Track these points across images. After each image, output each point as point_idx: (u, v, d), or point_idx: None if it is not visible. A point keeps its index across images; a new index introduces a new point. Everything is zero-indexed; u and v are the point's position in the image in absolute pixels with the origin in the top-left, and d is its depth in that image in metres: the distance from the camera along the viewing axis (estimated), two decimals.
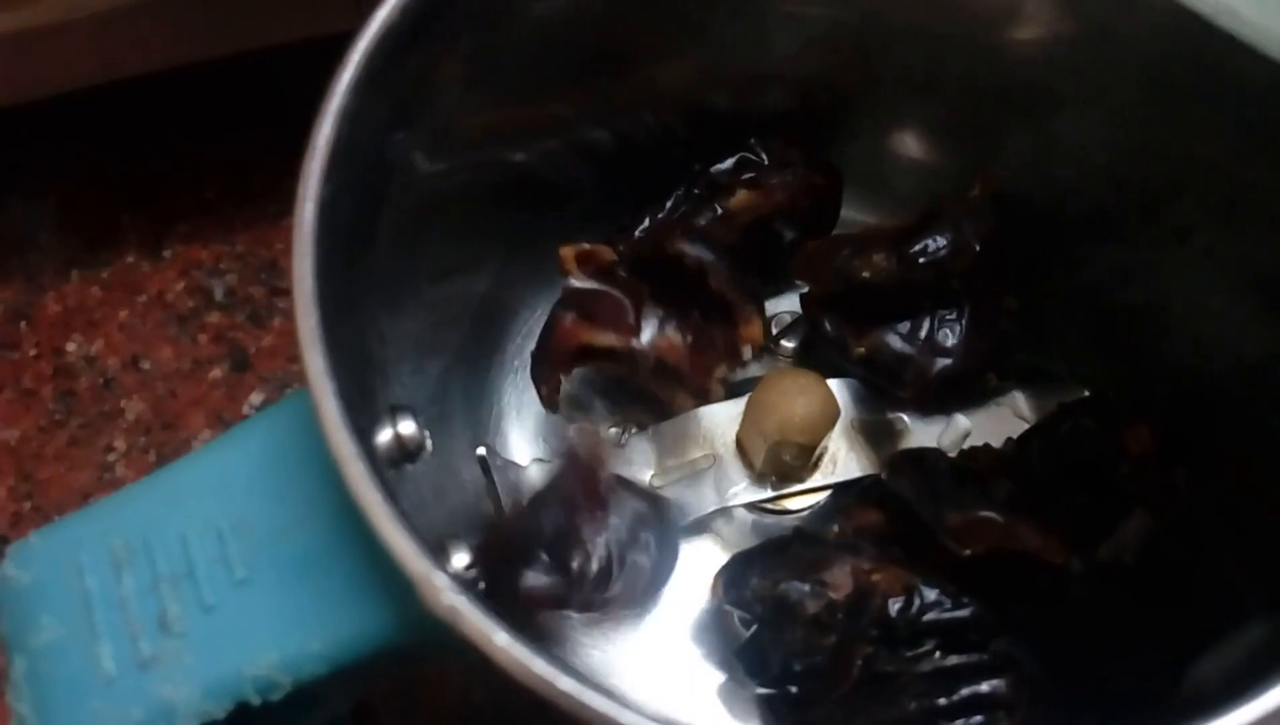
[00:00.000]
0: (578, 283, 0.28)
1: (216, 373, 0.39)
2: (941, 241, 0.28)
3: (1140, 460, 0.27)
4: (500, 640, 0.16)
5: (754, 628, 0.28)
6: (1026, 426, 0.30)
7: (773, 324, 0.33)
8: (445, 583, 0.17)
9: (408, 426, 0.22)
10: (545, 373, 0.29)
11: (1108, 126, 0.27)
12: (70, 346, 0.39)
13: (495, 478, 0.29)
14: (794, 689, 0.27)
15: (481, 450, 0.29)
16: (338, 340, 0.19)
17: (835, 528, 0.29)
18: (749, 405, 0.29)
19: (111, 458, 0.38)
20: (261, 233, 0.41)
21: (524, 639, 0.16)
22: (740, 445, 0.30)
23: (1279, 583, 0.22)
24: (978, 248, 0.28)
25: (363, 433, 0.18)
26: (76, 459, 0.38)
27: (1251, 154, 0.24)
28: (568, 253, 0.29)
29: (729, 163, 0.31)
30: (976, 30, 0.28)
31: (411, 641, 0.20)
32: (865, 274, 0.28)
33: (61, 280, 0.40)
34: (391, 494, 0.17)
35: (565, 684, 0.16)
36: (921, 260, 0.28)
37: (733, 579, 0.28)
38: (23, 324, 0.40)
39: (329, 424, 0.17)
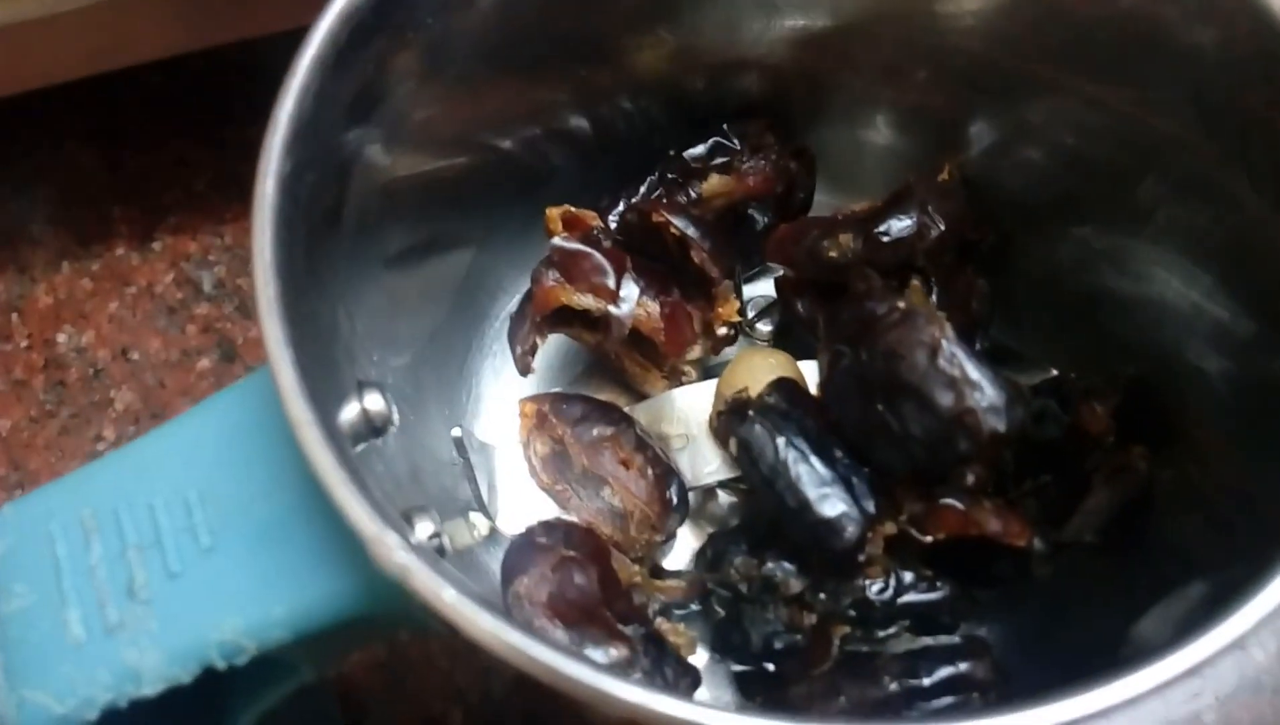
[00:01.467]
0: (563, 243, 0.29)
1: (205, 363, 0.40)
2: (907, 222, 0.28)
3: (1098, 439, 0.27)
4: (448, 596, 0.17)
5: (733, 605, 0.28)
6: None
7: (749, 307, 0.34)
8: (396, 542, 0.17)
9: (375, 401, 0.23)
10: (522, 333, 0.29)
11: (1071, 108, 0.28)
12: (61, 337, 0.40)
13: (471, 459, 0.30)
14: (772, 667, 0.28)
15: (457, 431, 0.30)
16: (299, 313, 0.19)
17: None
18: (720, 382, 0.29)
19: (101, 447, 0.38)
20: (250, 225, 0.42)
21: (472, 596, 0.17)
22: (713, 425, 0.30)
23: (1229, 547, 0.22)
24: (942, 228, 0.28)
25: (320, 399, 0.18)
26: (67, 448, 0.38)
27: (1203, 128, 0.25)
28: (554, 213, 0.29)
29: (702, 147, 0.32)
30: (942, 14, 0.28)
31: (372, 608, 0.20)
32: (832, 254, 0.28)
33: (53, 272, 0.41)
34: (347, 458, 0.18)
35: (512, 638, 0.16)
36: (885, 240, 0.28)
37: (716, 557, 0.28)
38: (14, 316, 0.40)
39: (285, 389, 0.18)
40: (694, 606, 0.29)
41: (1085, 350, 0.30)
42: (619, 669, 0.24)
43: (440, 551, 0.22)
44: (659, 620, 0.28)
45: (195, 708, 0.23)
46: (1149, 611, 0.22)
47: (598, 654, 0.25)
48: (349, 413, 0.23)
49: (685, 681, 0.26)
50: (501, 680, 0.35)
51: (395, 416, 0.23)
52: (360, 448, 0.23)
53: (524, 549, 0.27)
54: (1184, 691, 0.35)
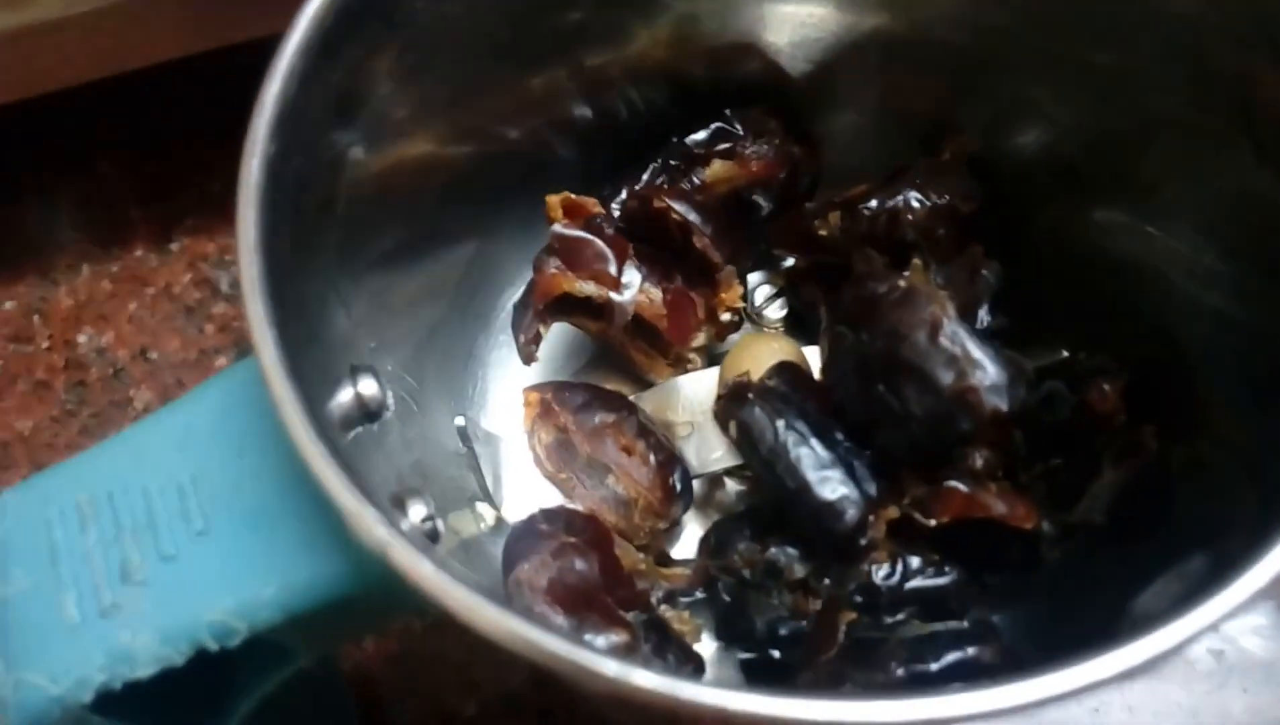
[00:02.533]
0: (563, 230, 0.29)
1: (222, 362, 0.40)
2: (896, 200, 0.28)
3: (1107, 420, 0.26)
4: (425, 569, 0.17)
5: (738, 591, 0.28)
6: None
7: (755, 295, 0.34)
8: (375, 517, 0.17)
9: (368, 386, 0.23)
10: (525, 322, 0.29)
11: (1070, 83, 0.27)
12: (81, 339, 0.40)
13: (476, 449, 0.30)
14: (777, 653, 0.28)
15: (461, 421, 0.30)
16: (285, 295, 0.19)
17: None
18: (723, 368, 0.29)
19: None
20: None
21: (451, 571, 0.17)
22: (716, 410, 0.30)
23: (1236, 523, 0.21)
24: (929, 203, 0.28)
25: (305, 379, 0.19)
26: (88, 448, 0.39)
27: (1204, 97, 0.24)
28: (554, 200, 0.29)
29: (704, 133, 0.31)
30: None
31: (361, 589, 0.20)
32: (822, 232, 0.28)
33: (73, 274, 0.42)
34: (328, 436, 0.18)
35: (489, 612, 0.16)
36: (867, 213, 0.28)
37: (720, 543, 0.28)
38: (36, 318, 0.41)
39: (267, 367, 0.18)
40: (699, 594, 0.29)
41: (1095, 330, 0.29)
42: (619, 654, 0.24)
43: (433, 535, 0.22)
44: (663, 608, 0.28)
45: (195, 693, 0.23)
46: (1149, 587, 0.21)
47: (598, 640, 0.24)
48: (342, 396, 0.23)
49: (689, 668, 0.26)
50: (516, 674, 0.35)
51: (390, 401, 0.23)
52: (356, 432, 0.23)
53: (525, 536, 0.26)
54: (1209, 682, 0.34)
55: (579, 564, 0.26)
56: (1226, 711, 0.34)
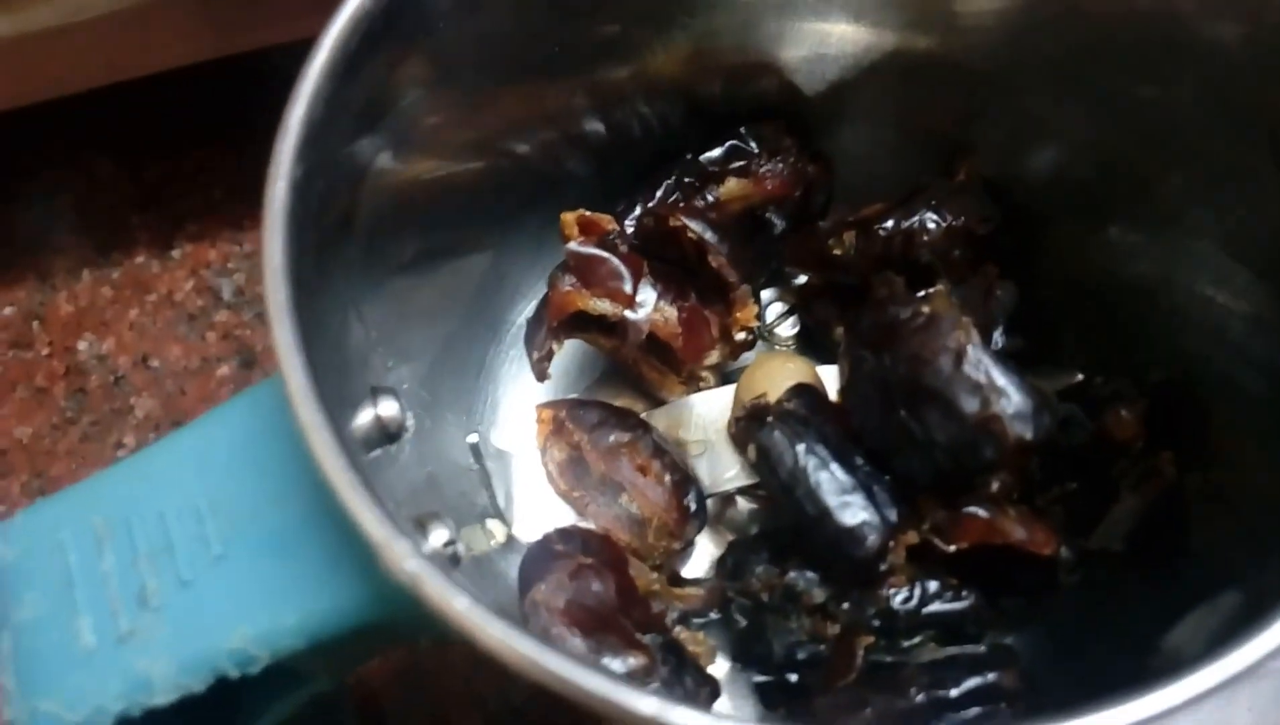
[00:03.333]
0: (578, 248, 0.29)
1: (225, 370, 0.40)
2: (913, 221, 0.28)
3: (1126, 446, 0.26)
4: (460, 605, 0.16)
5: (756, 614, 0.28)
6: None
7: (768, 313, 0.33)
8: (406, 549, 0.17)
9: (389, 407, 0.23)
10: (539, 338, 0.29)
11: (1092, 108, 0.27)
12: (81, 345, 0.40)
13: (488, 466, 0.30)
14: (794, 677, 0.27)
15: (474, 438, 0.29)
16: (310, 318, 0.19)
17: None
18: (738, 388, 0.29)
19: (122, 454, 0.38)
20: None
21: (484, 604, 0.16)
22: (731, 431, 0.30)
23: (1261, 555, 0.21)
24: (944, 223, 0.28)
25: (331, 404, 0.18)
26: (88, 455, 0.38)
27: (1227, 127, 0.24)
28: (569, 218, 0.29)
29: (719, 151, 0.31)
30: (961, 13, 0.28)
31: (385, 616, 0.20)
32: (836, 252, 0.28)
33: (73, 281, 0.41)
34: (357, 464, 0.18)
35: (525, 647, 0.16)
36: (882, 234, 0.28)
37: (737, 565, 0.28)
38: (35, 324, 0.40)
39: (295, 394, 0.18)
40: (713, 615, 0.29)
41: (1110, 354, 0.29)
42: (637, 678, 0.24)
43: (455, 559, 0.22)
44: (678, 629, 0.27)
45: (210, 718, 0.23)
46: (1181, 621, 0.21)
47: (615, 663, 0.24)
48: (363, 418, 0.22)
49: (705, 691, 0.26)
50: (520, 689, 0.35)
51: (410, 422, 0.23)
52: (374, 454, 0.23)
53: (541, 557, 0.26)
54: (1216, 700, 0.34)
55: (595, 585, 0.26)
56: None
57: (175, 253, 0.42)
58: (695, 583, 0.29)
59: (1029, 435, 0.23)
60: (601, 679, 0.16)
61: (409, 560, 0.17)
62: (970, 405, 0.24)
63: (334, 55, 0.21)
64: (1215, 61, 0.23)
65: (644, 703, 0.16)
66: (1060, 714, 0.16)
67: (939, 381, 0.24)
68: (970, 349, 0.24)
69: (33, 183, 0.42)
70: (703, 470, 0.30)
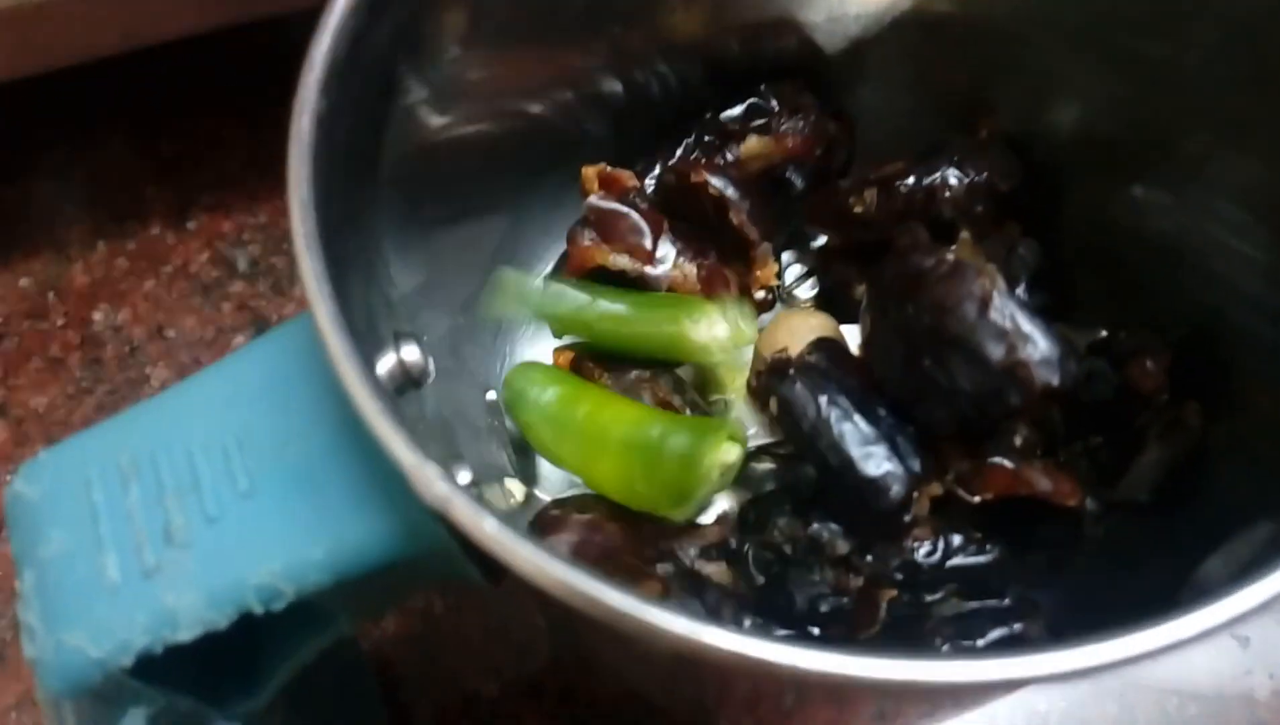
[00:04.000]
0: (599, 202, 0.29)
1: (239, 341, 0.40)
2: (934, 177, 0.28)
3: (1151, 397, 0.26)
4: (489, 527, 0.16)
5: (777, 568, 0.28)
6: None
7: (786, 274, 0.33)
8: (436, 472, 0.17)
9: (411, 352, 0.23)
10: None
11: (1110, 65, 0.27)
12: (97, 316, 0.40)
13: (507, 424, 0.29)
14: (817, 630, 0.27)
15: (492, 394, 0.29)
16: (335, 253, 0.19)
17: None
18: (758, 344, 0.29)
19: None
20: (283, 203, 0.41)
21: (513, 527, 0.16)
22: (752, 386, 0.30)
23: None
24: (967, 180, 0.28)
25: (359, 336, 0.18)
26: None
27: (1246, 83, 0.24)
28: (590, 172, 0.29)
29: (739, 109, 0.31)
30: None
31: (411, 550, 0.20)
32: (857, 209, 0.28)
33: (88, 252, 0.41)
34: (385, 394, 0.18)
35: (556, 569, 0.16)
36: (903, 190, 0.28)
37: (758, 518, 0.28)
38: (51, 295, 0.40)
39: (323, 323, 0.18)
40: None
41: (1133, 309, 0.29)
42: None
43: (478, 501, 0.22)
44: (699, 563, 0.27)
45: (231, 662, 0.23)
46: (1213, 555, 0.21)
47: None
48: (386, 363, 0.22)
49: (730, 605, 0.26)
50: (538, 656, 0.35)
51: (432, 368, 0.23)
52: (404, 400, 0.23)
53: (540, 523, 0.26)
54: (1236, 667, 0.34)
55: (598, 536, 0.26)
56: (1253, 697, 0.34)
57: (190, 224, 0.42)
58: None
59: (1055, 381, 0.23)
60: (630, 598, 0.16)
61: (439, 484, 0.17)
62: (996, 352, 0.24)
63: None
64: (1233, 16, 0.23)
65: (673, 622, 0.15)
66: (1083, 639, 0.16)
67: (964, 328, 0.24)
68: (996, 296, 0.24)
69: (48, 155, 0.42)
70: None
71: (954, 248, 0.25)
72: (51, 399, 0.39)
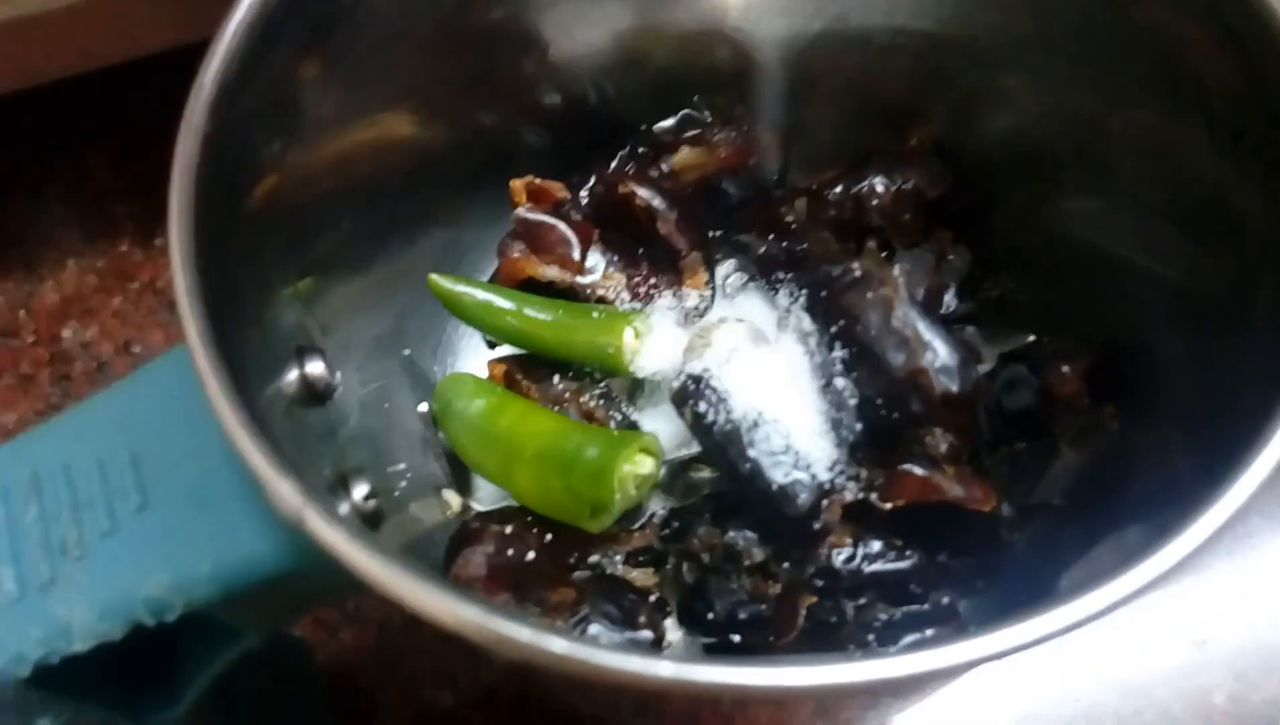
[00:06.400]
0: (526, 214, 0.29)
1: None
2: (861, 185, 0.28)
3: (1069, 402, 0.26)
4: (336, 538, 0.16)
5: (696, 577, 0.28)
6: None
7: (727, 283, 0.33)
8: (291, 489, 0.17)
9: (315, 367, 0.23)
10: None
11: (1041, 79, 0.27)
12: (66, 333, 0.41)
13: (440, 435, 0.30)
14: (738, 637, 0.27)
15: (424, 406, 0.30)
16: (221, 273, 0.20)
17: None
18: (683, 354, 0.29)
19: None
20: None
21: (367, 541, 0.17)
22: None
23: (1181, 500, 0.21)
24: (894, 188, 0.28)
25: (236, 355, 0.19)
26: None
27: (1169, 106, 0.24)
28: (518, 185, 0.30)
29: (671, 121, 0.31)
30: None
31: (294, 567, 0.20)
32: (789, 218, 0.28)
33: (60, 269, 0.42)
34: (253, 408, 0.18)
35: (401, 579, 0.16)
36: (831, 198, 0.28)
37: (680, 527, 0.28)
38: (22, 313, 0.41)
39: (191, 338, 0.18)
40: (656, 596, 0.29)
41: (1061, 314, 0.29)
42: (561, 610, 0.24)
43: (377, 515, 0.22)
44: (623, 568, 0.27)
45: (143, 672, 0.23)
46: (1083, 559, 0.21)
47: (542, 596, 0.24)
48: (289, 378, 0.23)
49: (645, 608, 0.26)
50: (491, 666, 0.35)
51: (339, 381, 0.23)
52: (307, 415, 0.23)
53: (461, 536, 0.26)
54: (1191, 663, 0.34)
55: (515, 549, 0.26)
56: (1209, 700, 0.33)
57: (158, 241, 0.42)
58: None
59: (954, 388, 0.23)
60: (476, 608, 0.16)
61: (292, 496, 0.17)
62: (897, 359, 0.24)
63: (251, 16, 0.21)
64: (1158, 44, 0.23)
65: (515, 629, 0.16)
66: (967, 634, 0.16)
67: (868, 337, 0.24)
68: (897, 304, 0.24)
69: (21, 173, 0.43)
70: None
71: (860, 254, 0.25)
72: (21, 415, 0.40)
